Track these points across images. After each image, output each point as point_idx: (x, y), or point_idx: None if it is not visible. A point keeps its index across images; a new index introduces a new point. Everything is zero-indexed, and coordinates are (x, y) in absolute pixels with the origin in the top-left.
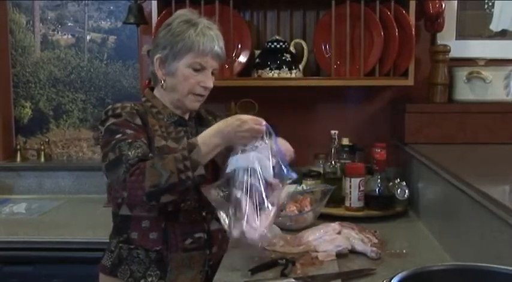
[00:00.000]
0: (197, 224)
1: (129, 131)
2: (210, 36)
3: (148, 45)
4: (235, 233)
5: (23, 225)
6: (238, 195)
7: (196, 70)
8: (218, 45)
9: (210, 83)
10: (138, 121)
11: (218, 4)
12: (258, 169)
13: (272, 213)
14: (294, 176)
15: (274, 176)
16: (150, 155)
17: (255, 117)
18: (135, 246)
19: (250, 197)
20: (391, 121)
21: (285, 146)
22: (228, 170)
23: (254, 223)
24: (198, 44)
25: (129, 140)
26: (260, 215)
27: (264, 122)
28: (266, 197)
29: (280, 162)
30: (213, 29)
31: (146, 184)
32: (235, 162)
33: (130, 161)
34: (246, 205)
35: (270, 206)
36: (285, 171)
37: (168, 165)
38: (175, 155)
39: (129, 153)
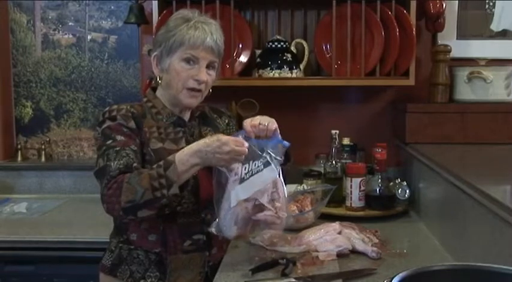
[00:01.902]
0: (196, 226)
1: (119, 138)
2: (202, 29)
3: (149, 44)
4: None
5: (24, 224)
6: (255, 217)
7: (188, 63)
8: (211, 38)
9: (202, 76)
10: (132, 124)
11: (219, 4)
12: (262, 187)
13: (282, 200)
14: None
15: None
16: (135, 165)
17: (236, 139)
18: (135, 246)
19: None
20: (391, 121)
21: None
22: (232, 204)
23: (277, 220)
24: (189, 36)
25: (118, 148)
26: (276, 210)
27: (246, 144)
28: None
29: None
30: (207, 23)
31: (122, 199)
32: (239, 194)
33: (112, 173)
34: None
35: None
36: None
37: (143, 182)
38: (150, 172)
39: (112, 164)
